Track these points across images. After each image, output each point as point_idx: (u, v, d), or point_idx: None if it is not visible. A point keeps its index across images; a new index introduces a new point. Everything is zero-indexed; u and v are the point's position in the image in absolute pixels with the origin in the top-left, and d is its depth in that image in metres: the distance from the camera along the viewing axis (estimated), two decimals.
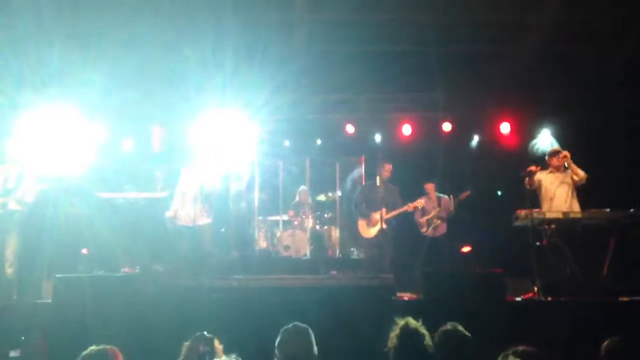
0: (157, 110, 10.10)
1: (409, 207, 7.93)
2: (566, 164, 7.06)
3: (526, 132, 9.92)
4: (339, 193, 10.41)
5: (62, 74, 8.45)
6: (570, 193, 7.04)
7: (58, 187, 7.23)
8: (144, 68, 9.07)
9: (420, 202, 8.13)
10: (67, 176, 8.44)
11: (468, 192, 8.85)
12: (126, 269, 7.71)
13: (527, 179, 7.08)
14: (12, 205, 6.64)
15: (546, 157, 7.39)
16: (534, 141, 9.78)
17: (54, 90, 8.59)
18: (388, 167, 8.03)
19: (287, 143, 10.84)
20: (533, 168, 7.05)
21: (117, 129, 10.17)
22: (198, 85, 10.12)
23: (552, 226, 6.68)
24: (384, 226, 7.74)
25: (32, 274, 7.07)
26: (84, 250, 8.10)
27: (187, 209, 6.93)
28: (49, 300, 6.12)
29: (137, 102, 10.09)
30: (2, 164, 6.83)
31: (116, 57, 8.62)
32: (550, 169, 7.26)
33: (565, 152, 7.12)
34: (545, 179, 7.21)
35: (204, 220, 6.95)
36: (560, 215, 6.69)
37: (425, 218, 8.76)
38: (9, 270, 6.53)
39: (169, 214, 7.05)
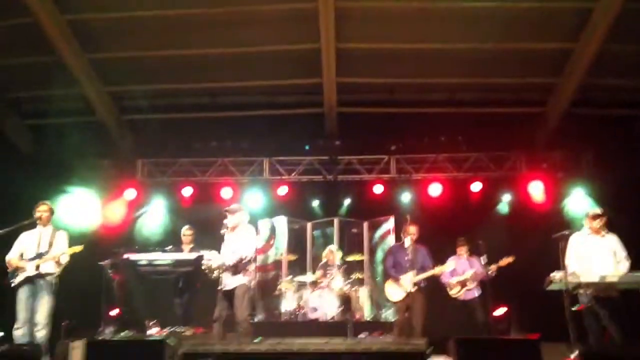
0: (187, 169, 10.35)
1: (436, 271, 7.76)
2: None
3: (558, 192, 9.80)
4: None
5: None
6: (610, 257, 6.68)
7: (90, 250, 7.30)
8: None
9: (449, 266, 7.99)
10: (99, 239, 8.57)
11: (511, 259, 8.47)
12: (156, 331, 7.68)
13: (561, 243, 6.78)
14: (44, 269, 6.74)
15: (585, 219, 6.94)
16: (566, 201, 9.63)
17: None
18: (414, 229, 7.90)
19: (315, 203, 10.89)
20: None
21: (148, 190, 10.37)
22: (228, 145, 10.39)
23: (589, 291, 6.45)
24: (413, 289, 7.60)
25: (62, 337, 7.11)
26: (116, 312, 8.10)
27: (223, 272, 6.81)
28: None
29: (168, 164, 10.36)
30: (35, 228, 6.97)
31: None
32: (588, 232, 6.85)
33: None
34: (583, 243, 6.81)
35: (238, 282, 6.79)
36: (596, 279, 6.45)
37: (456, 280, 8.58)
38: (39, 334, 6.56)
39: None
